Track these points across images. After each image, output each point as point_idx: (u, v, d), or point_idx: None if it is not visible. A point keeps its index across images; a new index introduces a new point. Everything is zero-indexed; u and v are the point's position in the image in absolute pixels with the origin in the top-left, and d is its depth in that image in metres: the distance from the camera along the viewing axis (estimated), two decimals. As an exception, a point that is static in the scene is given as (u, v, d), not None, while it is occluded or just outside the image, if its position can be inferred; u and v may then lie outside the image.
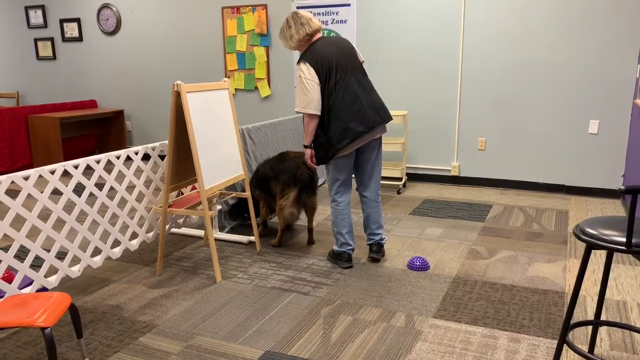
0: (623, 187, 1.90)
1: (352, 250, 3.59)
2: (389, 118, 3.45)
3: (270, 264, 3.68)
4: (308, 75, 3.27)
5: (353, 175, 3.90)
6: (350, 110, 3.29)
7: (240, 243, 4.09)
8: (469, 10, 5.46)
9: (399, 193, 5.53)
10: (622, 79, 5.00)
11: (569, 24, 5.11)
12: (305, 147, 3.44)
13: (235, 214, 4.47)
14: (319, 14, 6.13)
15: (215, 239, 4.16)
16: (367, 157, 3.50)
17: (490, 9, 5.37)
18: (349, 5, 5.95)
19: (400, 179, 5.83)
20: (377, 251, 3.65)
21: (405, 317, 2.89)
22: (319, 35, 3.44)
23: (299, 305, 3.06)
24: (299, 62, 3.35)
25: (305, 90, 3.28)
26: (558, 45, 5.18)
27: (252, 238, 4.07)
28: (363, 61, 3.50)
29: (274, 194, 3.96)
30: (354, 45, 3.42)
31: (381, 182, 5.82)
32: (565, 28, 5.12)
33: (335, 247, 3.63)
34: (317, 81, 3.27)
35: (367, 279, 3.39)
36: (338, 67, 3.31)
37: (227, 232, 4.28)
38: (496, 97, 5.52)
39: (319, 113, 3.30)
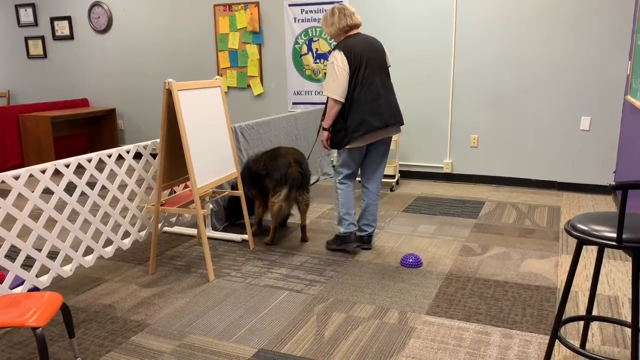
0: (614, 183, 1.91)
1: (356, 229, 3.78)
2: (402, 121, 3.69)
3: (264, 262, 3.67)
4: (340, 63, 3.46)
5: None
6: (370, 105, 3.51)
7: (233, 241, 4.08)
8: (461, 8, 5.47)
9: (392, 190, 5.54)
10: (613, 75, 5.03)
11: (560, 22, 5.12)
12: (324, 129, 3.63)
13: (231, 215, 4.46)
14: (310, 11, 6.13)
15: (208, 238, 4.15)
16: (376, 153, 3.71)
17: (482, 7, 5.38)
18: (340, 2, 5.94)
19: (393, 177, 5.83)
20: (368, 242, 3.88)
21: (399, 314, 2.89)
22: (357, 30, 3.64)
23: (292, 303, 3.06)
24: (334, 49, 3.54)
25: (335, 76, 3.47)
26: (549, 43, 5.20)
27: (245, 236, 4.06)
28: (390, 65, 3.73)
29: (267, 191, 3.95)
30: (385, 49, 3.73)
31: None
32: (557, 26, 5.14)
33: (341, 230, 3.75)
34: (348, 70, 3.47)
35: (360, 276, 3.39)
36: (368, 64, 3.51)
37: (220, 231, 4.27)
38: (488, 95, 5.54)
39: (343, 100, 3.50)
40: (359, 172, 3.82)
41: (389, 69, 3.66)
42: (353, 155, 3.65)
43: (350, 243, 3.78)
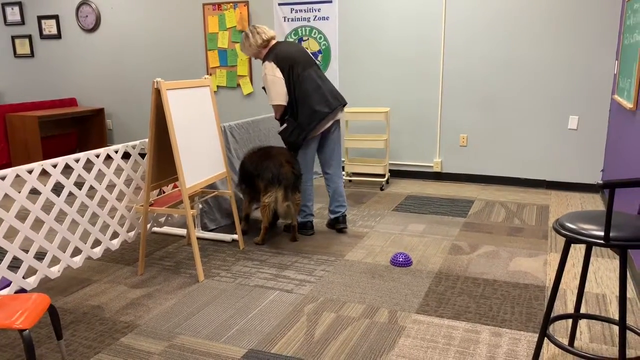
0: (601, 182, 1.92)
1: (313, 219, 4.26)
2: (345, 102, 4.01)
3: (254, 262, 3.66)
4: (273, 72, 3.79)
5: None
6: (314, 95, 3.82)
7: (223, 241, 4.07)
8: (451, 7, 5.49)
9: (382, 190, 5.54)
10: (601, 75, 5.07)
11: (549, 22, 5.16)
12: (280, 133, 3.98)
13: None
14: (300, 10, 6.11)
15: (198, 238, 4.13)
16: (327, 138, 4.04)
17: (471, 6, 5.41)
18: (330, 1, 5.94)
19: (383, 176, 5.84)
20: (343, 222, 4.19)
21: (389, 313, 2.90)
22: (274, 41, 3.95)
23: (283, 302, 3.05)
24: (263, 61, 3.88)
25: (272, 85, 3.80)
26: (538, 43, 5.23)
27: (235, 236, 4.05)
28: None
29: (258, 190, 3.95)
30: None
31: (364, 178, 5.88)
32: (545, 26, 5.18)
33: (298, 219, 4.13)
34: (281, 76, 3.79)
35: (350, 276, 3.39)
36: (299, 62, 3.84)
37: (210, 231, 4.25)
38: (477, 94, 5.56)
39: (285, 103, 3.84)
40: (318, 161, 4.22)
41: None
42: (308, 147, 3.97)
43: (308, 230, 4.16)
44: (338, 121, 4.06)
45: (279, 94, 3.80)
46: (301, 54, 3.90)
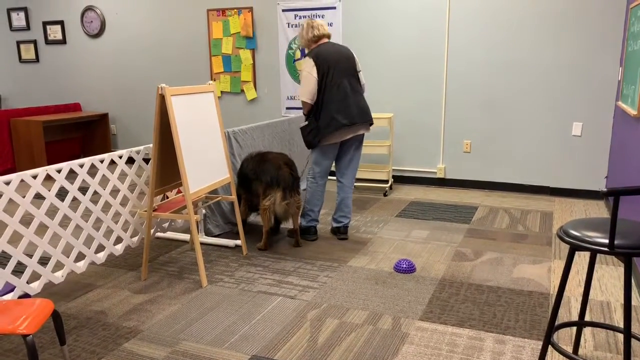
0: (605, 190, 1.92)
1: (317, 224, 4.25)
2: (370, 120, 4.02)
3: (257, 267, 3.66)
4: (309, 69, 3.85)
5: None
6: (339, 104, 3.86)
7: (227, 247, 4.07)
8: (454, 13, 5.50)
9: (385, 195, 5.54)
10: (605, 81, 5.07)
11: (552, 28, 5.16)
12: (302, 128, 4.04)
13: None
14: (304, 16, 6.14)
15: (201, 243, 4.13)
16: (347, 150, 4.08)
17: (474, 12, 5.41)
18: (334, 8, 5.96)
19: (386, 182, 5.84)
20: (344, 232, 4.22)
21: (392, 320, 2.89)
22: (326, 40, 4.01)
23: (286, 309, 3.05)
24: (305, 56, 3.99)
25: (304, 81, 3.88)
26: (542, 49, 5.24)
27: (238, 242, 4.05)
28: (360, 70, 4.06)
29: (256, 194, 3.96)
30: (355, 55, 4.05)
31: (367, 184, 5.88)
32: (549, 31, 5.18)
33: (302, 223, 4.16)
34: (316, 75, 3.84)
35: (353, 282, 3.39)
36: (336, 68, 3.87)
37: (213, 236, 4.25)
38: (481, 100, 5.56)
39: (311, 102, 3.89)
40: (334, 168, 4.19)
41: (360, 73, 4.07)
42: (325, 153, 3.99)
43: (311, 235, 4.18)
44: (361, 136, 4.06)
45: (309, 92, 3.85)
46: (344, 61, 3.92)
